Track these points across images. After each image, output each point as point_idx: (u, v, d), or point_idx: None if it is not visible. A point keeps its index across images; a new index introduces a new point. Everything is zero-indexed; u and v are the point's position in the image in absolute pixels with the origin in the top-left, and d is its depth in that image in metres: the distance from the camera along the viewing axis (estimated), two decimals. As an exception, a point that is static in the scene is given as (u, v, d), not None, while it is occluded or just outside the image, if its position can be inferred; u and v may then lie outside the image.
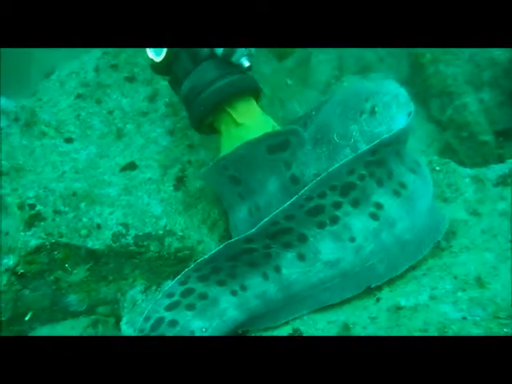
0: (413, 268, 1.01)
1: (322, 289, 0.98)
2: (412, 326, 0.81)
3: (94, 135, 1.35)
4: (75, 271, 1.09)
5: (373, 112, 1.00)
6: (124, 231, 1.12)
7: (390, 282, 1.00)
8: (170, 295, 0.97)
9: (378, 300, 0.95)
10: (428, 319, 0.81)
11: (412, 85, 2.03)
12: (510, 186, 1.22)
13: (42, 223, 1.07)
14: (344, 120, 1.03)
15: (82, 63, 1.55)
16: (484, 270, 0.90)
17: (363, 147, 0.97)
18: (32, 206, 1.08)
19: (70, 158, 1.27)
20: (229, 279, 0.98)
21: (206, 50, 1.10)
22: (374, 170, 0.95)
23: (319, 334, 0.93)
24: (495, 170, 1.26)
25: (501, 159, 1.61)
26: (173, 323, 0.96)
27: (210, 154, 1.40)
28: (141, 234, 1.14)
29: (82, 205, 1.14)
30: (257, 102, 1.16)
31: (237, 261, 0.96)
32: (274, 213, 0.90)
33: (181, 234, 1.17)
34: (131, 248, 1.12)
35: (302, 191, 0.91)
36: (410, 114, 0.99)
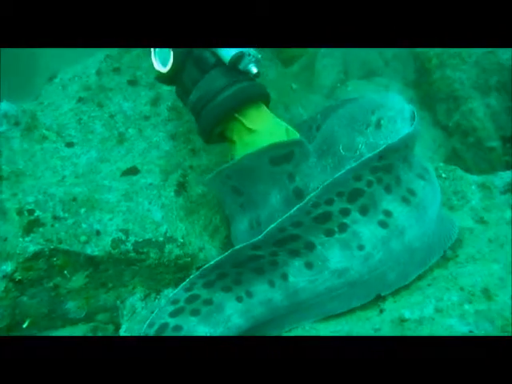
0: (418, 278, 0.99)
1: (329, 297, 0.96)
2: (417, 340, 0.79)
3: (96, 139, 1.34)
4: (74, 278, 1.07)
5: (378, 125, 1.00)
6: (124, 237, 1.11)
7: (394, 291, 0.98)
8: (174, 302, 0.96)
9: (381, 311, 0.92)
10: (433, 333, 0.78)
11: (418, 89, 2.01)
12: (519, 193, 1.20)
13: (41, 229, 1.05)
14: (350, 132, 1.02)
15: (84, 66, 1.54)
16: (491, 281, 0.87)
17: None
18: (31, 212, 1.07)
19: (71, 162, 1.26)
20: (234, 286, 0.97)
21: (212, 59, 1.09)
22: (381, 176, 0.94)
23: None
24: (503, 178, 1.24)
25: (508, 166, 1.58)
26: (177, 328, 0.95)
27: (212, 158, 1.39)
28: (141, 240, 1.12)
29: (82, 210, 1.12)
30: (267, 107, 1.15)
31: (243, 267, 0.95)
32: (281, 219, 0.89)
33: (181, 240, 1.16)
34: (131, 255, 1.10)
35: (309, 197, 0.89)
36: (413, 119, 0.98)
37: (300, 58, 1.95)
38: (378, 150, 0.91)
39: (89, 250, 1.07)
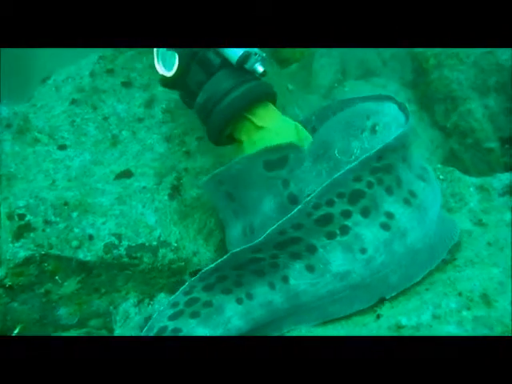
0: (415, 282, 0.97)
1: (330, 301, 0.96)
2: (414, 347, 0.77)
3: (89, 142, 1.32)
4: (66, 283, 1.06)
5: (373, 130, 1.00)
6: (117, 242, 1.09)
7: (389, 298, 0.96)
8: (174, 305, 0.95)
9: (378, 317, 0.91)
10: (431, 340, 0.77)
11: (416, 90, 2.00)
12: (517, 196, 1.18)
13: (32, 234, 1.04)
14: (346, 136, 1.01)
15: (78, 68, 1.52)
16: (490, 286, 0.85)
17: None
18: (21, 216, 1.05)
19: (64, 165, 1.24)
20: (234, 288, 0.96)
21: (217, 60, 1.09)
22: (381, 177, 0.93)
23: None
24: (501, 180, 1.22)
25: (507, 167, 1.57)
26: (176, 331, 0.94)
27: (207, 160, 1.37)
28: (134, 245, 1.10)
29: (74, 214, 1.10)
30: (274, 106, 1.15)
31: (243, 270, 0.94)
32: (281, 221, 0.89)
33: (175, 244, 1.14)
34: (124, 260, 1.09)
35: (309, 198, 0.89)
36: (407, 117, 0.98)
37: (296, 60, 1.94)
38: (375, 150, 0.90)
39: (81, 255, 1.06)
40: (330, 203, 0.90)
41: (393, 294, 0.94)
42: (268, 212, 1.04)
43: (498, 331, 0.75)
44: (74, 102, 1.38)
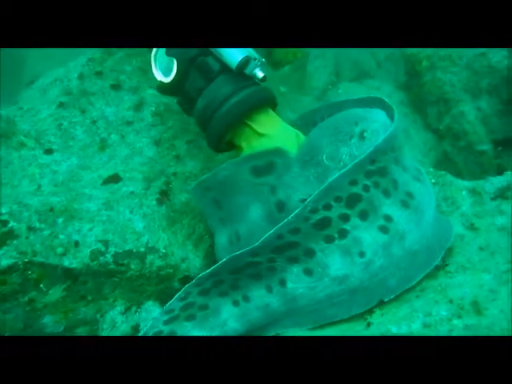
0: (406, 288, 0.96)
1: (328, 304, 0.95)
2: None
3: (76, 146, 1.30)
4: (51, 291, 1.03)
5: (362, 137, 0.99)
6: (103, 249, 1.07)
7: (382, 303, 0.94)
8: (169, 311, 0.94)
9: (368, 325, 0.89)
10: (421, 349, 0.75)
11: (409, 92, 1.99)
12: (509, 199, 1.17)
13: (15, 241, 1.01)
14: (334, 142, 1.00)
15: (66, 70, 1.50)
16: (481, 293, 0.84)
17: None
18: (4, 223, 1.02)
19: (50, 170, 1.22)
20: (231, 291, 0.96)
21: (216, 65, 1.08)
22: (377, 180, 0.93)
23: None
24: (493, 183, 1.21)
25: (499, 169, 1.56)
26: (171, 333, 0.93)
27: (197, 165, 1.36)
28: (121, 251, 1.08)
29: (60, 220, 1.08)
30: (274, 111, 1.14)
31: (240, 274, 0.94)
32: (279, 225, 0.88)
33: (163, 251, 1.12)
34: (111, 267, 1.06)
35: (306, 202, 0.88)
36: (394, 118, 0.99)
37: (289, 62, 1.92)
38: (366, 153, 0.90)
39: (66, 263, 1.04)
40: (328, 207, 0.90)
41: (391, 297, 0.93)
42: (256, 219, 1.02)
43: (488, 340, 0.73)
44: (61, 105, 1.36)
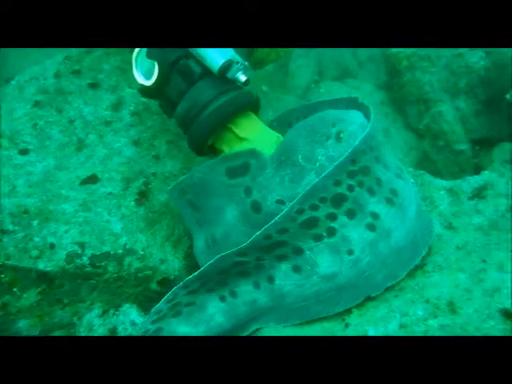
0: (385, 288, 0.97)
1: (315, 301, 0.95)
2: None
3: (53, 146, 1.27)
4: (25, 295, 1.01)
5: (338, 138, 0.99)
6: (80, 251, 1.05)
7: (360, 303, 0.95)
8: (157, 312, 0.94)
9: (346, 325, 0.90)
10: (397, 349, 0.75)
11: (390, 91, 2.00)
12: (486, 199, 1.19)
13: (-13, 245, 0.99)
14: (310, 142, 1.00)
15: (43, 68, 1.46)
16: (457, 292, 0.85)
17: None
18: (-24, 226, 1.00)
19: (25, 170, 1.19)
20: (218, 287, 0.95)
21: (198, 69, 1.07)
22: (361, 179, 0.94)
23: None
24: (470, 183, 1.23)
25: (477, 168, 1.58)
26: (157, 331, 0.93)
27: (177, 165, 1.34)
28: (98, 253, 1.07)
29: (35, 223, 1.06)
30: (256, 115, 1.14)
31: (227, 274, 0.94)
32: (266, 226, 0.89)
33: (142, 252, 1.11)
34: (87, 269, 1.05)
35: (291, 204, 0.89)
36: (369, 118, 0.99)
37: (271, 61, 1.91)
38: (346, 154, 0.91)
39: (41, 266, 1.02)
40: (314, 207, 0.91)
41: (378, 293, 0.94)
42: (231, 221, 1.02)
43: (462, 339, 0.74)
44: (36, 104, 1.33)
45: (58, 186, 1.18)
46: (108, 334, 1.04)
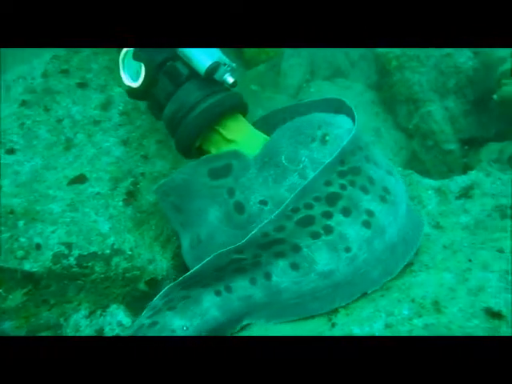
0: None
1: (311, 298, 0.96)
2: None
3: (40, 146, 1.26)
4: (11, 296, 1.00)
5: (323, 140, 1.00)
6: (66, 251, 1.05)
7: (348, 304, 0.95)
8: (153, 307, 0.94)
9: (333, 325, 0.90)
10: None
11: (380, 91, 2.01)
12: (473, 198, 1.20)
13: (-28, 246, 0.98)
14: (294, 144, 1.00)
15: (31, 68, 1.45)
16: (442, 291, 0.86)
17: (311, 175, 0.95)
18: (-39, 227, 0.99)
19: (12, 170, 1.18)
20: (214, 282, 0.96)
21: (185, 70, 1.06)
22: (352, 178, 0.95)
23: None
24: (457, 182, 1.24)
25: (466, 168, 1.59)
26: (152, 324, 0.93)
27: (166, 165, 1.34)
28: (85, 253, 1.06)
29: (21, 223, 1.05)
30: (244, 117, 1.14)
31: (224, 270, 0.94)
32: (262, 224, 0.89)
33: (130, 253, 1.10)
34: (74, 270, 1.04)
35: (286, 203, 0.89)
36: (354, 119, 1.00)
37: (261, 61, 1.91)
38: (334, 155, 0.92)
39: (27, 266, 1.01)
40: (309, 206, 0.92)
41: (374, 289, 0.95)
42: (214, 222, 1.02)
43: (445, 339, 0.75)
44: (24, 103, 1.32)
45: (46, 185, 1.17)
46: (95, 335, 1.03)
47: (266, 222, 0.89)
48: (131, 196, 1.20)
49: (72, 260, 1.04)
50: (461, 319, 0.77)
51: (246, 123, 1.12)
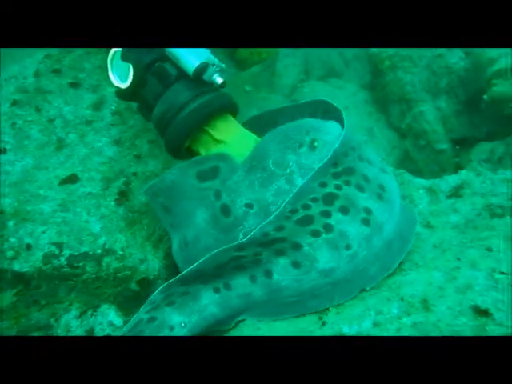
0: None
1: (311, 295, 0.96)
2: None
3: (32, 146, 1.26)
4: (0, 296, 1.00)
5: (312, 146, 1.00)
6: (57, 251, 1.04)
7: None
8: (151, 303, 0.94)
9: (323, 324, 0.90)
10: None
11: (373, 91, 2.02)
12: (463, 197, 1.21)
13: (-39, 246, 0.98)
14: (282, 148, 1.00)
15: (22, 67, 1.45)
16: (431, 290, 0.86)
17: (299, 180, 0.96)
18: (-51, 227, 0.99)
19: (3, 170, 1.18)
20: (213, 278, 0.96)
21: (174, 71, 1.06)
22: (346, 178, 0.96)
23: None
24: (448, 182, 1.24)
25: (458, 168, 1.60)
26: (151, 320, 0.93)
27: (158, 165, 1.34)
28: (76, 254, 1.06)
29: (10, 223, 1.05)
30: (234, 118, 1.14)
31: (224, 268, 0.94)
32: (262, 224, 0.89)
33: (121, 252, 1.10)
34: (65, 270, 1.04)
35: (283, 204, 0.90)
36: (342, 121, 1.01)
37: (255, 62, 1.91)
38: (327, 158, 0.93)
39: (17, 267, 1.01)
40: (307, 207, 0.93)
41: (372, 285, 0.96)
42: (201, 224, 1.02)
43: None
44: (15, 103, 1.32)
45: (37, 186, 1.17)
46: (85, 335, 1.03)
47: (265, 222, 0.90)
48: (123, 196, 1.20)
49: (63, 260, 1.04)
50: (449, 317, 0.77)
51: (235, 123, 1.12)
